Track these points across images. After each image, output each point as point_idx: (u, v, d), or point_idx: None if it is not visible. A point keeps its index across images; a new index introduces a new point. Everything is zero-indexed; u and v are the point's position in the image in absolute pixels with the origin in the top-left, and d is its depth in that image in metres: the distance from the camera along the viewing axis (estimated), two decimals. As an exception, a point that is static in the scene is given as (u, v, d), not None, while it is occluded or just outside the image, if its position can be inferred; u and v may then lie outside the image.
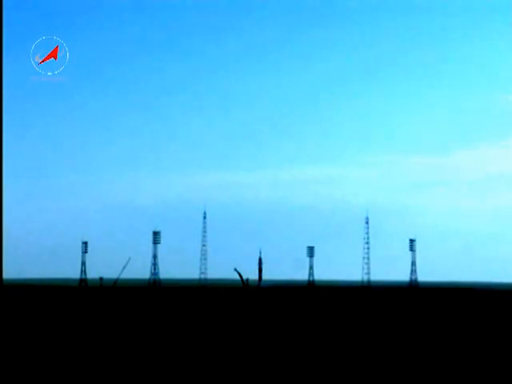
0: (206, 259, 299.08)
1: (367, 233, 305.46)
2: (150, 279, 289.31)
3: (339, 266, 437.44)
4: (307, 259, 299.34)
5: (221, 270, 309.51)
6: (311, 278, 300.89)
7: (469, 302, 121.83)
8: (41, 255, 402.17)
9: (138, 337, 45.65)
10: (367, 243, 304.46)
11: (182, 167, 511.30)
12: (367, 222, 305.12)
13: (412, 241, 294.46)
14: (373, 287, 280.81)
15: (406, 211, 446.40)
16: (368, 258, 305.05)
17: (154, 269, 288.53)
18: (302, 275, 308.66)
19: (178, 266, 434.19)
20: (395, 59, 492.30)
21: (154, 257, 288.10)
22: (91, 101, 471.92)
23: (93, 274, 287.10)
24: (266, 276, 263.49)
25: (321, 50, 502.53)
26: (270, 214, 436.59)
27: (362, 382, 28.42)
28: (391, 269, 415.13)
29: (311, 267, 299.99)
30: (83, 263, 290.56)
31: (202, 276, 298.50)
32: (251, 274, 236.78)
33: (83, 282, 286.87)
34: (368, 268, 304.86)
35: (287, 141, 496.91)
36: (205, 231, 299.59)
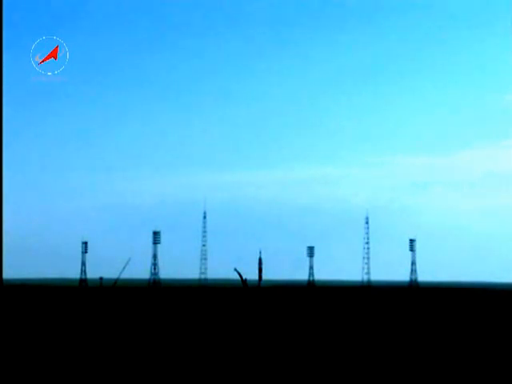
0: (206, 259, 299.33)
1: (367, 233, 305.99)
2: (150, 279, 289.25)
3: (339, 266, 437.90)
4: (307, 259, 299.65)
5: (221, 269, 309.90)
6: (311, 278, 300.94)
7: (469, 302, 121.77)
8: (41, 255, 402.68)
9: (138, 337, 45.64)
10: (367, 243, 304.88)
11: (182, 167, 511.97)
12: (367, 222, 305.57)
13: (412, 241, 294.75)
14: (373, 287, 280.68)
15: (405, 211, 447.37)
16: (368, 258, 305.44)
17: (154, 269, 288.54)
18: (302, 275, 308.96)
19: (178, 266, 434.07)
20: (395, 59, 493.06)
21: (154, 257, 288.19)
22: (91, 101, 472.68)
23: (93, 274, 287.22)
24: (266, 276, 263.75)
25: (321, 50, 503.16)
26: (270, 214, 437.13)
27: (362, 382, 28.41)
28: (391, 269, 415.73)
29: (311, 267, 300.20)
30: (83, 263, 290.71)
31: (202, 276, 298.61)
32: (251, 274, 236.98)
33: (83, 282, 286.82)
34: (368, 268, 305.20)
35: (287, 141, 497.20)
36: (205, 231, 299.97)
